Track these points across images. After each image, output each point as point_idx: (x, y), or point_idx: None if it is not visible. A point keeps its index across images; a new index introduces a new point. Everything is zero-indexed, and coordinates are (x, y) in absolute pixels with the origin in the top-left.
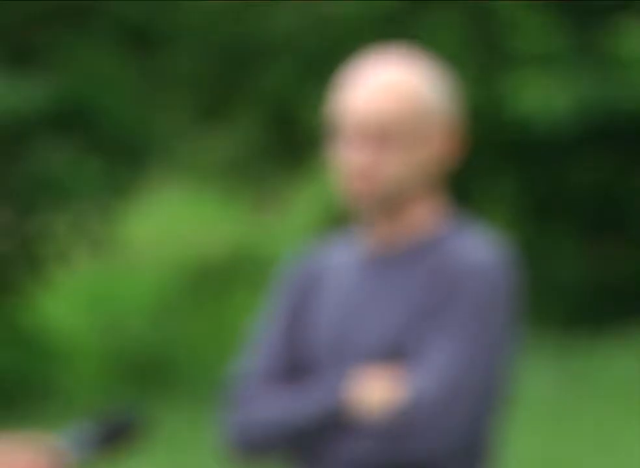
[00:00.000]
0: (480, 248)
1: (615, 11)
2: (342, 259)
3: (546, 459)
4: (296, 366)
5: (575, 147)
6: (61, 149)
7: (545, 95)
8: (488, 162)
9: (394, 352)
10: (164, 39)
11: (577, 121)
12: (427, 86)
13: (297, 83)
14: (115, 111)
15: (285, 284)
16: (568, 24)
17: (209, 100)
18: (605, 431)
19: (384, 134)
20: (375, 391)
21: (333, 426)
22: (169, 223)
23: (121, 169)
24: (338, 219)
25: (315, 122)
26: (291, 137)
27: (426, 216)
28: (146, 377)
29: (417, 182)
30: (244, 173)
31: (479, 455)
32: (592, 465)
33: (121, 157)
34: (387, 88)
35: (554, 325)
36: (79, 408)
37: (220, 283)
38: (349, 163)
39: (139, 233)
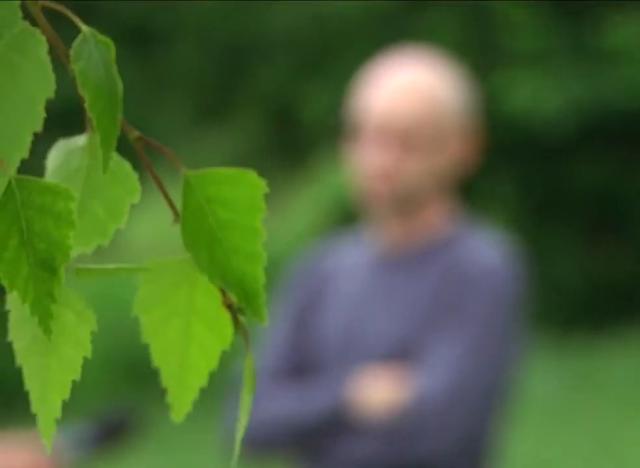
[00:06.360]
0: (490, 250)
1: (607, 9)
2: (352, 259)
3: (546, 459)
4: (302, 365)
5: (575, 147)
6: None
7: (539, 94)
8: (488, 162)
9: (402, 353)
10: (164, 39)
11: (573, 120)
12: (450, 90)
13: (297, 83)
14: None
15: (293, 283)
16: (561, 23)
17: (209, 100)
18: (605, 431)
19: (407, 136)
20: (380, 391)
21: (338, 425)
22: (169, 224)
23: None
24: (339, 219)
25: (315, 122)
26: (291, 137)
27: (437, 218)
28: (145, 378)
29: (434, 184)
30: None
31: (482, 456)
32: (592, 465)
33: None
34: (412, 91)
35: (554, 325)
36: (78, 408)
37: None
38: (370, 163)
39: (139, 233)
